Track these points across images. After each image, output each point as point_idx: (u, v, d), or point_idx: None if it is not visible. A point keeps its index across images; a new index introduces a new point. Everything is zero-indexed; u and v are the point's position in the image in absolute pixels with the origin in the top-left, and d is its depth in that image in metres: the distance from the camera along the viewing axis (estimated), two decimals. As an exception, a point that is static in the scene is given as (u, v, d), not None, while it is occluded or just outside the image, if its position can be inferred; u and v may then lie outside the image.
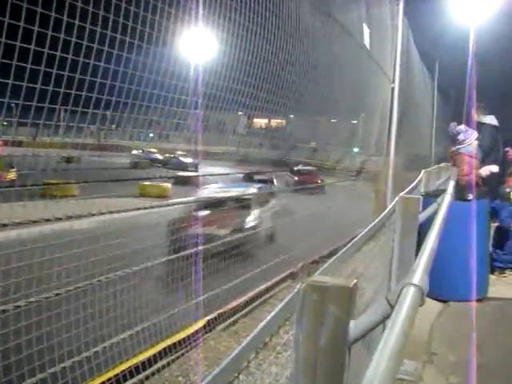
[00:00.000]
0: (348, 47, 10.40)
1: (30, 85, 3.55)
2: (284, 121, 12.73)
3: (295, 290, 2.05)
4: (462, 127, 8.00)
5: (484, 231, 7.24)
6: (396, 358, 1.55)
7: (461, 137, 7.78)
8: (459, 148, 7.80)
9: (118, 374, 5.44)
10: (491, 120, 9.30)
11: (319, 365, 2.05)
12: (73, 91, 3.79)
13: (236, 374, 1.84)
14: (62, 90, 3.67)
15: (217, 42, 6.86)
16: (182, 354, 6.44)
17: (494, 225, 8.52)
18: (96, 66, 4.02)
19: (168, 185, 21.85)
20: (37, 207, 5.22)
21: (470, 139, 7.76)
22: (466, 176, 7.52)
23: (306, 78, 9.40)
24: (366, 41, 10.41)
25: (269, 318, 2.06)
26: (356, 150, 15.07)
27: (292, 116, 12.12)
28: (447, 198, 5.05)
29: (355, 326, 2.11)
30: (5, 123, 5.84)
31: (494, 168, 8.18)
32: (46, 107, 3.81)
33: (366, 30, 10.34)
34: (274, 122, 12.72)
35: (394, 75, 11.92)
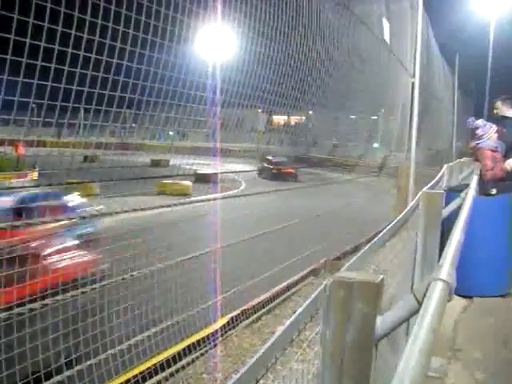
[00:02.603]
0: (368, 42, 10.35)
1: (53, 84, 3.57)
2: (304, 117, 12.70)
3: (322, 287, 2.05)
4: (480, 122, 7.93)
5: (508, 226, 7.16)
6: (426, 353, 1.55)
7: (479, 131, 7.71)
8: (478, 143, 7.74)
9: (143, 371, 5.48)
10: (514, 114, 9.19)
11: (346, 361, 2.05)
12: (96, 90, 3.82)
13: (264, 371, 1.85)
14: (85, 89, 3.69)
15: (236, 37, 6.85)
16: (206, 351, 6.46)
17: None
18: (119, 65, 4.04)
19: (189, 183, 21.82)
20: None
21: (488, 133, 7.69)
22: (490, 171, 7.45)
23: (326, 74, 9.37)
24: (386, 35, 10.35)
25: (296, 314, 2.06)
26: (376, 145, 15.01)
27: (311, 112, 12.08)
28: (471, 192, 5.01)
29: (382, 322, 2.10)
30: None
31: None
32: (70, 107, 3.83)
33: (386, 25, 10.28)
34: (294, 119, 12.71)
35: (414, 70, 11.81)
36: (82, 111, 4.48)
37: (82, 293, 4.87)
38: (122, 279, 5.40)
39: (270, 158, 26.97)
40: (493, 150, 7.68)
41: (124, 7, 3.86)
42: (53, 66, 3.41)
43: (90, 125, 5.05)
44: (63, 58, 3.53)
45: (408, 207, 4.70)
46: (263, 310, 7.85)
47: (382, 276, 2.10)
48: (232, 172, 23.63)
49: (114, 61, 3.96)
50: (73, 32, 3.51)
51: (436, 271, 2.15)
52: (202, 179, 21.37)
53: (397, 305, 2.35)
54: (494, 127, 7.83)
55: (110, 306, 5.14)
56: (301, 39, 7.99)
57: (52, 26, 3.33)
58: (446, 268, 2.18)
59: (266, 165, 26.89)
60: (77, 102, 3.84)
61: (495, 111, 9.32)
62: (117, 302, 5.23)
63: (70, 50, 3.57)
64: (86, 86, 3.70)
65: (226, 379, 5.63)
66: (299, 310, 2.08)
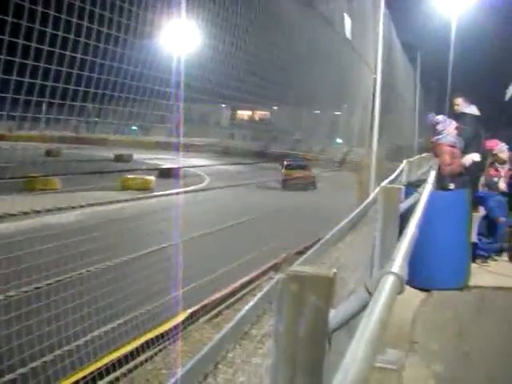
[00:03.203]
0: (330, 38, 10.39)
1: (8, 77, 3.48)
2: (268, 112, 12.71)
3: (274, 281, 2.05)
4: (441, 117, 8.05)
5: (466, 220, 7.29)
6: (373, 345, 1.55)
7: (439, 127, 7.83)
8: (438, 138, 7.86)
9: (100, 367, 5.40)
10: (473, 110, 9.36)
11: (299, 354, 2.05)
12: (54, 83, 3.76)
13: (214, 365, 1.84)
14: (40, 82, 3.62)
15: (198, 33, 6.82)
16: (165, 347, 6.41)
17: (477, 214, 8.59)
18: (74, 58, 3.97)
19: (151, 177, 21.72)
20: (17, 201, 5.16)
21: (448, 129, 7.82)
22: (448, 166, 7.56)
23: (290, 70, 9.38)
24: (348, 31, 10.39)
25: (246, 307, 2.05)
26: (339, 140, 15.09)
27: (275, 108, 12.10)
28: (428, 187, 5.07)
29: (335, 316, 2.11)
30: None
31: (476, 157, 8.22)
32: (24, 100, 3.75)
33: (348, 21, 10.32)
34: (258, 114, 12.73)
35: (375, 66, 11.90)
36: (44, 105, 4.39)
37: (37, 288, 4.78)
38: (79, 274, 5.32)
39: (286, 162, 22.43)
40: (452, 146, 7.80)
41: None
42: (6, 59, 3.33)
43: (50, 119, 4.95)
44: (26, 52, 3.45)
45: (366, 201, 4.74)
46: (223, 305, 7.83)
47: (334, 270, 2.11)
48: (194, 166, 23.53)
49: (69, 54, 3.89)
50: (37, 26, 3.44)
51: (388, 265, 2.16)
52: (165, 174, 21.33)
53: (350, 298, 2.36)
54: (454, 123, 7.96)
55: (65, 302, 5.06)
56: (264, 36, 7.99)
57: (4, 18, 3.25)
58: (398, 261, 2.20)
59: (283, 170, 22.76)
60: (38, 95, 3.76)
61: (455, 107, 9.48)
62: (73, 297, 5.16)
63: (34, 45, 3.49)
64: (39, 79, 3.62)
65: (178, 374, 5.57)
66: (250, 304, 2.07)
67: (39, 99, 3.73)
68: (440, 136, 7.79)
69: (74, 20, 3.80)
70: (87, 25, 3.96)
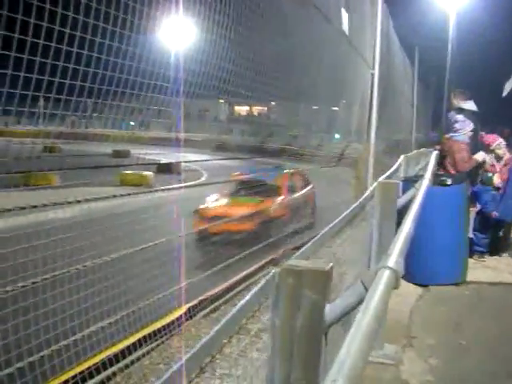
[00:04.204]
0: (328, 34, 10.37)
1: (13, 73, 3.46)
2: (266, 108, 12.68)
3: (270, 275, 2.05)
4: (461, 117, 8.20)
5: (463, 216, 7.31)
6: (369, 339, 1.56)
7: (457, 126, 7.99)
8: (453, 136, 8.00)
9: (97, 363, 5.40)
10: (471, 106, 9.38)
11: (296, 348, 2.06)
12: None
13: (210, 358, 1.84)
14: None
15: (197, 28, 6.81)
16: (163, 342, 6.40)
17: (474, 209, 8.62)
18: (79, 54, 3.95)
19: (149, 173, 21.70)
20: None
21: (465, 129, 7.98)
22: (466, 163, 7.72)
23: (288, 66, 9.37)
24: (345, 26, 10.37)
25: (242, 302, 2.06)
26: (337, 136, 15.08)
27: (273, 103, 12.09)
28: (425, 183, 5.08)
29: (331, 310, 2.11)
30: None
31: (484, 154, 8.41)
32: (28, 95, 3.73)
33: (345, 15, 10.29)
34: (256, 109, 12.70)
35: (373, 61, 11.89)
36: (42, 100, 4.38)
37: (34, 283, 4.77)
38: (76, 269, 5.32)
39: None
40: (465, 145, 7.98)
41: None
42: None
43: (49, 114, 4.94)
44: (22, 46, 3.43)
45: (363, 196, 4.74)
46: (221, 300, 7.83)
47: (331, 264, 2.11)
48: (192, 161, 23.49)
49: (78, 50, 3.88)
50: (32, 20, 3.43)
51: (384, 259, 2.17)
52: (163, 169, 21.33)
53: (346, 293, 2.36)
54: (472, 126, 8.10)
55: (63, 296, 5.04)
56: (263, 32, 7.98)
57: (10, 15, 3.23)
58: (394, 256, 2.20)
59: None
60: (36, 90, 3.74)
61: (453, 103, 9.55)
62: (69, 293, 5.14)
63: (29, 39, 3.48)
64: (35, 73, 3.61)
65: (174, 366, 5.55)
66: (246, 298, 2.07)
67: (36, 94, 3.72)
68: (456, 134, 7.95)
69: (70, 14, 3.79)
70: (83, 19, 3.95)
